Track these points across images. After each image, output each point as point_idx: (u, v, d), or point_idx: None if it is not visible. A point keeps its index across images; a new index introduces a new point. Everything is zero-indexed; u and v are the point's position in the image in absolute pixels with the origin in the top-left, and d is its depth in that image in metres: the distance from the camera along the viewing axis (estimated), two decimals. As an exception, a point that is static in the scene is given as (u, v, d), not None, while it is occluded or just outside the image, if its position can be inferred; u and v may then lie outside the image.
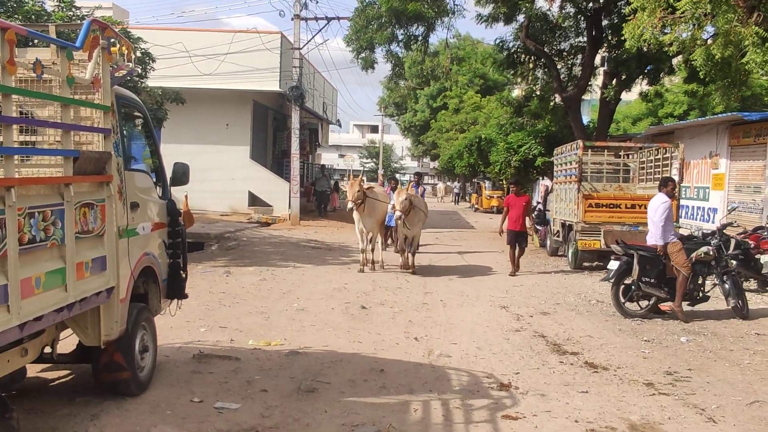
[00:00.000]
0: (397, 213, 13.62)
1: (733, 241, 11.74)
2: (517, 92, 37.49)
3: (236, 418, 5.73)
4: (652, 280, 10.50)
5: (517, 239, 15.15)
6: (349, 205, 13.95)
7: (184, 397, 6.14)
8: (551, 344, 8.90)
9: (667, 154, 16.12)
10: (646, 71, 21.61)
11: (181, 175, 6.70)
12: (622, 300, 10.65)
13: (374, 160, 63.14)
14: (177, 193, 7.08)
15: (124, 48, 5.63)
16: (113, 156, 5.36)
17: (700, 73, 14.19)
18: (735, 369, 7.99)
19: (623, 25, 14.16)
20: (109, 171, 5.27)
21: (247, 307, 10.41)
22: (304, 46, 25.13)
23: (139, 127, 6.80)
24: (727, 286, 10.56)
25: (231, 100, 26.87)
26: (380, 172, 55.62)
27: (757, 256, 12.04)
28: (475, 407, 6.31)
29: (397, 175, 49.26)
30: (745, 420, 6.27)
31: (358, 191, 13.79)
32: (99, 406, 5.77)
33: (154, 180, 6.63)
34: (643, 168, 17.77)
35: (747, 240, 12.64)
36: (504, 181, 37.33)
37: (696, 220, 19.19)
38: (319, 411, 5.96)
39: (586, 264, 16.09)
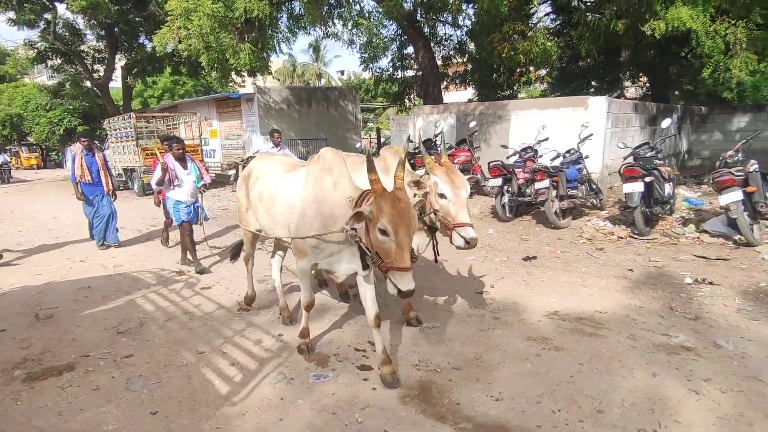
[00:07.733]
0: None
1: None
2: (39, 79, 29.36)
3: (1, 357, 3.84)
4: None
5: None
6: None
7: None
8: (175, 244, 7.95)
9: (188, 120, 15.34)
10: (149, 67, 19.53)
11: None
12: None
13: None
14: None
15: None
16: None
17: (205, 68, 13.55)
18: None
19: (153, 35, 12.62)
20: None
21: None
22: None
23: None
24: None
25: None
26: None
27: None
28: (180, 289, 5.47)
29: None
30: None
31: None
32: None
33: None
34: (168, 129, 16.46)
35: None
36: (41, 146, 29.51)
37: (206, 158, 18.79)
38: (73, 327, 4.38)
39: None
